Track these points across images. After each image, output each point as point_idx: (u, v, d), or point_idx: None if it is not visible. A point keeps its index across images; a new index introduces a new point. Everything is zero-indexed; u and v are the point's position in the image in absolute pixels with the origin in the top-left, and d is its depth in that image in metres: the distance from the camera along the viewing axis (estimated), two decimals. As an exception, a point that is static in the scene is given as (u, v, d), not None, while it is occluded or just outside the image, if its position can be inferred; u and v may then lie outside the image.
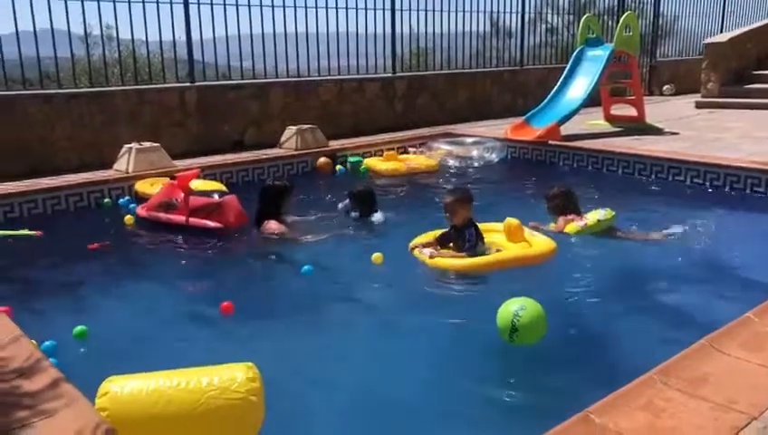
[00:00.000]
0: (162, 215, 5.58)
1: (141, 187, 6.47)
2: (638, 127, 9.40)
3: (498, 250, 4.64)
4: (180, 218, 5.47)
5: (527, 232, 4.75)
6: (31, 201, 6.05)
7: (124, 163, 6.87)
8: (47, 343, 3.33)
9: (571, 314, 3.95)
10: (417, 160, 8.17)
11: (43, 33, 7.47)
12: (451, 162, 8.32)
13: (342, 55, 10.07)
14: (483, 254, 4.57)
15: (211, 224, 5.39)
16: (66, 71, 8.01)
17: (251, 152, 8.09)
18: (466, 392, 3.02)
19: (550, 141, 8.42)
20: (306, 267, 4.47)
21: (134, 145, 6.94)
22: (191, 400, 2.25)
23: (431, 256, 4.46)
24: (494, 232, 4.85)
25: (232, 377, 2.30)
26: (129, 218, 5.82)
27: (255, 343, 3.54)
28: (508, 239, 4.72)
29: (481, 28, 12.01)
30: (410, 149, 8.80)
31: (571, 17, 13.74)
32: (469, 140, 8.79)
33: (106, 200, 6.42)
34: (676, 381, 2.50)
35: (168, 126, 8.15)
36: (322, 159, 8.03)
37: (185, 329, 3.85)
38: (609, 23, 13.89)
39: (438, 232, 4.83)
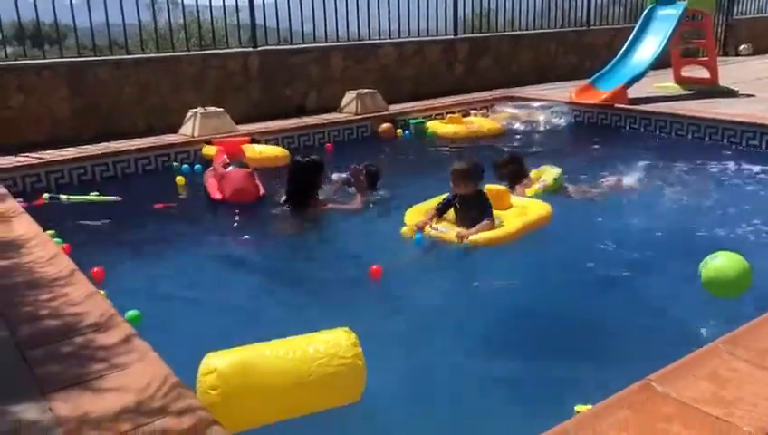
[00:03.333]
0: (205, 180, 5.73)
1: (207, 151, 6.60)
2: (710, 89, 9.00)
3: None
4: (211, 183, 5.57)
5: (512, 198, 4.72)
6: (102, 164, 6.28)
7: (189, 127, 7.03)
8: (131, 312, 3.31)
9: (604, 282, 3.89)
10: (479, 123, 8.06)
11: (111, 2, 7.65)
12: (516, 125, 8.16)
13: (403, 18, 9.96)
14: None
15: (214, 193, 5.40)
16: (134, 37, 8.20)
17: (312, 117, 8.14)
18: (523, 363, 3.01)
19: (616, 105, 8.16)
20: (418, 236, 4.30)
21: (199, 110, 7.09)
22: (302, 369, 2.24)
23: (458, 236, 4.22)
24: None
25: (337, 343, 2.31)
26: (180, 179, 6.05)
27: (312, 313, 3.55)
28: (495, 206, 4.57)
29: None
30: (472, 112, 8.67)
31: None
32: (536, 103, 8.59)
33: (175, 164, 6.58)
34: (743, 351, 2.43)
35: (232, 91, 8.27)
36: (385, 125, 7.99)
37: (245, 297, 3.89)
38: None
39: (433, 201, 4.68)
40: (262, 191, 5.42)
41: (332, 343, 2.31)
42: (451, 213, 4.63)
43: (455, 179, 4.50)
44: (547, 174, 5.32)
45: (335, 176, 5.71)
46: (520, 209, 4.61)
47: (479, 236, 4.22)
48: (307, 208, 4.98)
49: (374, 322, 3.32)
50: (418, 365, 3.01)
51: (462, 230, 4.30)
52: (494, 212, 4.52)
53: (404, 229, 4.40)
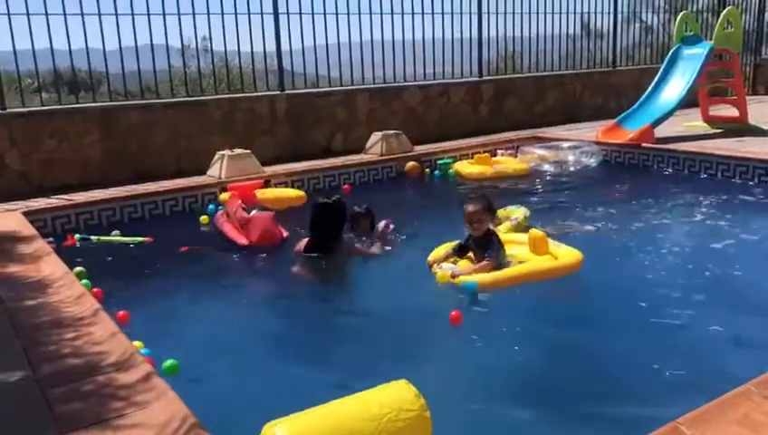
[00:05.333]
0: (219, 224, 5.72)
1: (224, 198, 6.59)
2: (739, 128, 8.90)
3: (521, 262, 4.43)
4: (227, 229, 5.54)
5: (551, 244, 4.52)
6: (130, 206, 6.38)
7: (217, 169, 7.13)
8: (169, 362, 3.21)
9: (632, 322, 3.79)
10: (506, 164, 8.06)
11: (144, 49, 7.91)
12: (546, 167, 8.13)
13: (428, 62, 10.10)
14: (505, 266, 4.35)
15: (239, 239, 5.33)
16: (164, 82, 8.43)
17: (338, 158, 8.22)
18: (549, 406, 2.94)
19: (643, 144, 8.10)
20: (471, 283, 4.12)
21: (226, 152, 7.20)
22: (371, 428, 2.15)
23: (454, 275, 4.19)
24: (515, 244, 4.65)
25: (401, 397, 2.24)
26: (204, 218, 6.14)
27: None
28: (532, 251, 4.49)
29: (571, 30, 11.74)
30: (499, 152, 8.68)
31: (668, 15, 13.19)
32: (565, 144, 8.55)
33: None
34: (777, 394, 2.34)
35: (259, 133, 8.40)
36: (410, 163, 8.03)
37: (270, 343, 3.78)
38: (710, 19, 13.24)
39: (453, 243, 4.63)
40: (285, 234, 5.43)
41: (396, 398, 2.23)
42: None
43: (473, 219, 4.41)
44: (517, 212, 5.38)
45: None
46: (551, 257, 4.44)
47: (462, 278, 4.16)
48: (332, 252, 4.79)
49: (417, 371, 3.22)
50: (471, 412, 2.94)
51: (457, 269, 4.28)
52: (524, 256, 4.46)
53: (438, 276, 4.29)
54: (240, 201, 5.64)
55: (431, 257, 4.57)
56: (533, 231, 4.61)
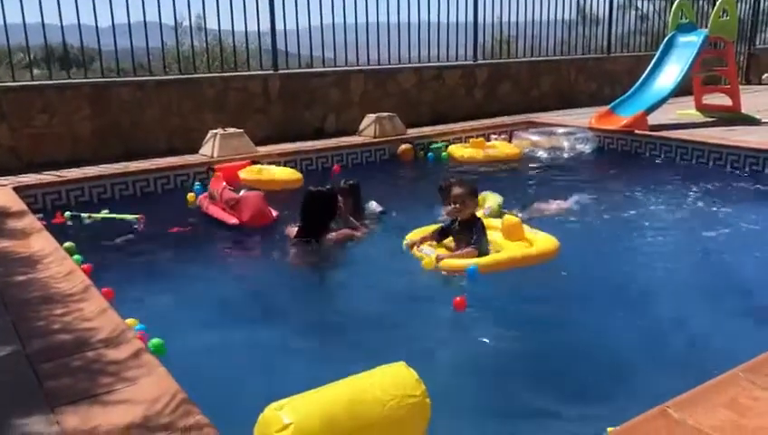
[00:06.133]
0: (203, 206, 5.67)
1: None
2: (732, 117, 8.92)
3: (497, 250, 4.42)
4: (213, 211, 5.50)
5: (527, 230, 4.53)
6: (122, 183, 6.34)
7: (209, 148, 7.09)
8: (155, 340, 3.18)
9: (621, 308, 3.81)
10: (497, 148, 8.06)
11: (137, 26, 7.82)
12: (540, 153, 8.12)
13: (423, 44, 10.04)
14: (487, 252, 4.34)
15: (229, 219, 5.29)
16: (157, 60, 8.35)
17: (330, 139, 8.18)
18: (540, 390, 2.95)
19: (636, 131, 8.11)
20: (472, 267, 4.07)
21: (219, 131, 7.16)
22: (374, 412, 2.14)
23: (438, 259, 4.18)
24: (489, 229, 4.58)
25: (402, 382, 2.23)
26: (191, 196, 6.13)
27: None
28: (506, 238, 4.49)
29: (567, 15, 11.69)
30: (492, 137, 8.66)
31: (663, 3, 13.16)
32: (560, 130, 8.56)
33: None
34: (764, 379, 2.36)
35: (252, 112, 8.35)
36: (404, 146, 8.02)
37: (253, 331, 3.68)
38: (705, 7, 13.22)
39: (433, 226, 4.62)
40: (275, 213, 5.40)
41: (397, 382, 2.23)
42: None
43: (461, 201, 4.37)
44: (491, 200, 5.35)
45: None
46: (527, 243, 4.42)
47: (449, 262, 4.16)
48: (321, 238, 4.73)
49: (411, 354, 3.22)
50: (464, 399, 2.94)
51: (441, 253, 4.27)
52: (504, 243, 4.46)
53: (425, 261, 4.23)
54: (225, 182, 5.59)
55: (408, 239, 4.56)
56: (508, 217, 4.61)
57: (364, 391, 2.18)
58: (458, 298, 3.69)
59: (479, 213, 5.00)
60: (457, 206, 4.38)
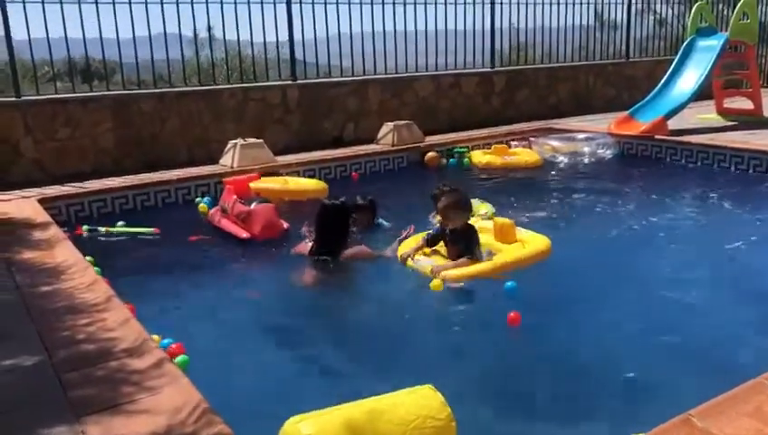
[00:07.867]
0: (215, 220, 5.61)
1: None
2: (754, 120, 8.82)
3: (491, 252, 4.39)
4: (225, 224, 5.46)
5: (518, 231, 4.53)
6: (143, 194, 6.41)
7: (229, 158, 7.15)
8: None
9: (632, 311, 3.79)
10: (518, 155, 8.04)
11: (157, 38, 7.93)
12: (560, 158, 8.09)
13: (440, 52, 10.05)
14: (481, 259, 4.30)
15: (240, 233, 5.24)
16: (177, 72, 8.45)
17: (349, 148, 8.22)
18: (562, 398, 2.95)
19: (656, 136, 8.05)
20: (510, 284, 3.98)
21: (239, 141, 7.21)
22: (396, 432, 2.12)
23: (434, 271, 4.14)
24: (483, 233, 4.55)
25: (427, 404, 2.21)
26: (202, 206, 6.19)
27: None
28: (499, 240, 4.46)
29: (584, 21, 11.65)
30: (513, 144, 8.64)
31: (683, 7, 13.06)
32: (580, 135, 8.53)
33: (197, 200, 6.58)
34: (789, 387, 2.34)
35: (271, 122, 8.41)
36: (430, 154, 8.06)
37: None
38: (725, 11, 13.10)
39: (423, 234, 4.59)
40: (286, 225, 5.38)
41: (423, 404, 2.21)
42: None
43: (444, 214, 4.36)
44: (485, 208, 5.36)
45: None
46: (521, 244, 4.42)
47: (449, 272, 4.13)
48: (337, 254, 4.60)
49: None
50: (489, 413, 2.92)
51: (438, 265, 4.24)
52: (499, 246, 4.45)
53: (433, 283, 4.11)
54: (236, 196, 5.59)
55: (401, 251, 4.51)
56: (500, 219, 4.59)
57: (387, 411, 2.16)
58: (512, 313, 3.59)
59: (479, 213, 4.99)
60: (448, 216, 4.36)
